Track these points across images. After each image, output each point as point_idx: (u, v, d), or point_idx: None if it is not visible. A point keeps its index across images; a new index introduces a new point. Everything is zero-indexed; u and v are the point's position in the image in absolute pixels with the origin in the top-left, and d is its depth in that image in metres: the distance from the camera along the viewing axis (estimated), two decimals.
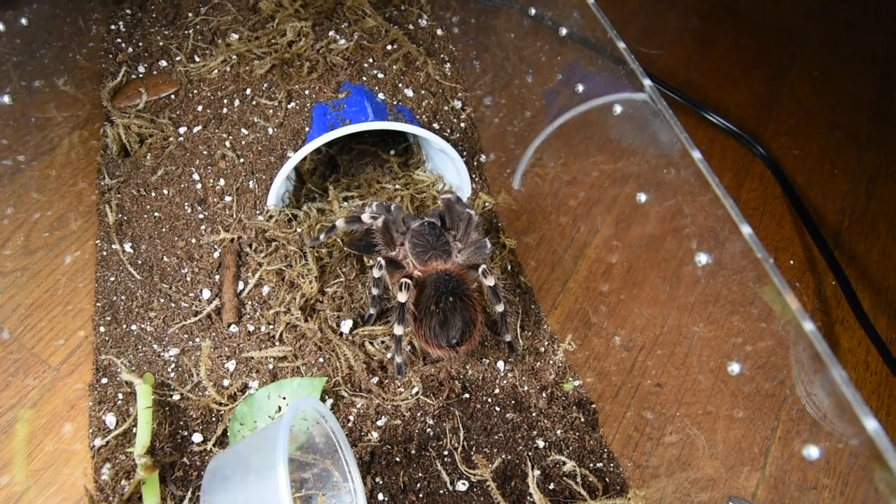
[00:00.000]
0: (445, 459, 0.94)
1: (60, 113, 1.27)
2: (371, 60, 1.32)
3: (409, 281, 0.98)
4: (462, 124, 1.28)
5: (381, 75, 1.29)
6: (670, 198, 1.27)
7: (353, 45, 1.32)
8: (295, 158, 1.12)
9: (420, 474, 0.93)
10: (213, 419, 0.97)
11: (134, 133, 1.22)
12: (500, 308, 1.03)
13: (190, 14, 1.41)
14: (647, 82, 0.86)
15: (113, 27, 1.42)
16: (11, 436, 1.00)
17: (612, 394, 1.09)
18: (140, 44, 1.38)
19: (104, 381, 0.98)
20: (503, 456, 0.95)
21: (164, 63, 1.34)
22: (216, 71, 1.31)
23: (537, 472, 0.93)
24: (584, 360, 1.10)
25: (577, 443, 0.97)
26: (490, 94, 1.32)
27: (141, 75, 1.33)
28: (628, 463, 1.00)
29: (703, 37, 1.81)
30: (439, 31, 1.41)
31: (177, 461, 0.91)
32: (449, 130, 1.26)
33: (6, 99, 1.19)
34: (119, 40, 1.39)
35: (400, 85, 1.29)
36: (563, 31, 1.10)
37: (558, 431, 0.98)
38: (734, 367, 1.14)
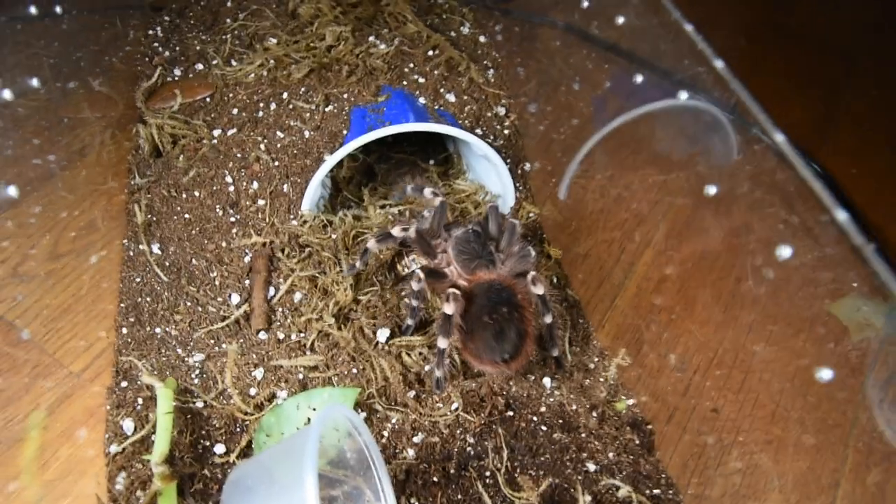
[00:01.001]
0: (487, 481, 0.86)
1: (93, 113, 1.24)
2: (412, 65, 1.27)
3: (457, 291, 0.92)
4: (506, 131, 1.23)
5: (421, 80, 1.25)
6: (732, 204, 1.20)
7: (393, 50, 1.28)
8: (332, 160, 1.07)
9: (459, 496, 0.85)
10: (238, 429, 0.90)
11: (167, 134, 1.19)
12: (548, 319, 0.96)
13: (228, 20, 1.38)
14: (718, 64, 0.80)
15: (151, 32, 1.40)
16: (28, 443, 0.95)
17: (666, 416, 1.01)
18: (177, 48, 1.36)
19: (124, 384, 0.92)
20: (550, 479, 0.86)
21: (200, 66, 1.31)
22: (253, 75, 1.27)
23: (588, 498, 0.84)
24: (637, 378, 1.02)
25: (630, 466, 0.89)
26: (535, 101, 1.27)
27: (177, 78, 1.30)
28: (689, 491, 0.91)
29: (751, 55, 1.74)
30: (482, 39, 1.37)
31: (197, 473, 0.84)
32: (492, 137, 1.21)
33: (36, 84, 1.16)
34: (156, 44, 1.37)
35: (441, 90, 1.24)
36: (620, 20, 1.04)
37: (610, 454, 0.90)
38: (799, 392, 1.05)
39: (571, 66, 1.26)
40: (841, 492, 1.00)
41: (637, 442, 0.91)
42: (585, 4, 1.33)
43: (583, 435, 0.92)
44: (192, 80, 1.28)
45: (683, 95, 1.11)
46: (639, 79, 1.24)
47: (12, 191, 0.99)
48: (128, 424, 0.87)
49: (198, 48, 1.34)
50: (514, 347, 0.92)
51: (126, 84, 1.28)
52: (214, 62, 1.30)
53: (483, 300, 0.93)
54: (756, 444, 1.02)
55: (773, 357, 1.10)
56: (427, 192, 1.05)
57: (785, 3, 1.96)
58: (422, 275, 0.94)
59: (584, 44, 1.36)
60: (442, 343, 0.91)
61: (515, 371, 0.96)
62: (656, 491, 0.87)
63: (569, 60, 1.27)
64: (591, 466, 0.88)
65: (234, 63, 1.31)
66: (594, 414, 0.94)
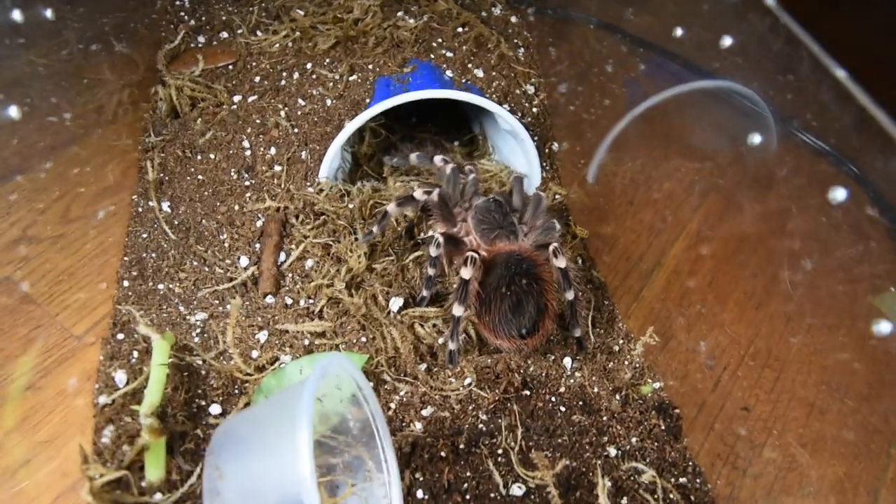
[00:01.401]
0: (499, 459, 0.80)
1: (114, 75, 1.22)
2: (440, 40, 1.23)
3: (475, 255, 0.86)
4: (534, 109, 1.18)
5: (449, 54, 1.20)
6: (770, 196, 1.14)
7: (422, 24, 1.24)
8: (352, 125, 1.03)
9: (468, 473, 0.79)
10: (236, 391, 0.85)
11: (186, 96, 1.16)
12: (570, 295, 0.90)
13: None
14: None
15: (178, 3, 1.38)
16: (13, 403, 0.90)
17: (694, 408, 0.94)
18: (203, 18, 1.33)
19: (120, 336, 0.88)
20: (567, 462, 0.80)
21: (225, 35, 1.28)
22: (278, 45, 1.24)
23: (608, 483, 0.77)
24: (665, 365, 0.95)
25: (655, 453, 0.82)
26: (566, 82, 1.22)
27: (200, 45, 1.27)
28: (718, 482, 0.84)
29: None
30: (514, 19, 1.33)
31: (189, 432, 0.79)
32: (520, 114, 1.16)
33: (58, 45, 1.14)
34: (182, 14, 1.35)
35: (469, 65, 1.20)
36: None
37: (633, 439, 0.83)
38: (837, 394, 0.98)
39: (605, 48, 1.22)
40: (881, 501, 0.92)
41: (663, 427, 0.84)
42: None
43: (604, 418, 0.85)
44: (215, 48, 1.26)
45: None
46: (674, 65, 1.19)
47: (15, 113, 0.95)
48: (120, 376, 0.82)
49: (223, 18, 1.32)
50: (533, 322, 0.86)
51: (149, 48, 1.26)
52: (239, 31, 1.28)
53: (501, 271, 0.88)
54: (789, 446, 0.95)
55: (809, 354, 1.02)
56: (437, 159, 1.00)
57: None
58: (441, 239, 0.89)
59: (618, 35, 1.32)
60: (457, 310, 0.85)
61: (533, 348, 0.90)
62: (682, 479, 0.80)
63: (603, 42, 1.23)
64: (613, 451, 0.82)
65: (259, 33, 1.28)
66: (617, 397, 0.87)
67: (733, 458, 0.92)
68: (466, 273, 0.85)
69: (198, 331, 0.90)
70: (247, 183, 1.08)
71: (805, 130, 1.27)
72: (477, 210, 0.96)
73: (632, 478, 0.79)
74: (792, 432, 0.96)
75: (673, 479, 0.80)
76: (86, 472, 0.72)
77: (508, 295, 0.86)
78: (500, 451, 0.80)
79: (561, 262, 0.88)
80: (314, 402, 0.76)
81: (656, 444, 0.83)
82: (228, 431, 0.67)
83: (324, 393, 0.74)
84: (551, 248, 0.89)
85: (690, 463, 0.82)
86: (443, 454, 0.80)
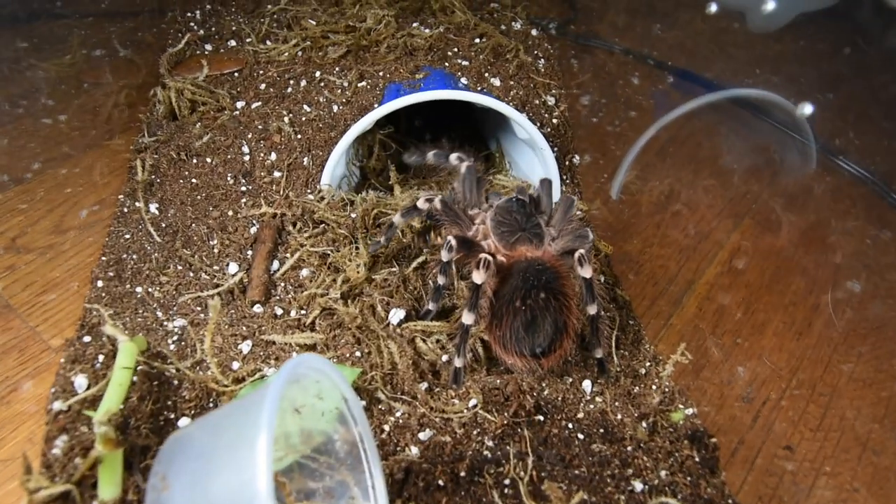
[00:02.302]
0: (506, 490, 0.69)
1: (114, 78, 1.17)
2: (456, 49, 1.17)
3: (490, 258, 0.77)
4: (554, 120, 1.10)
5: (465, 63, 1.14)
6: (810, 216, 1.04)
7: (437, 34, 1.18)
8: (357, 127, 0.97)
9: None
10: (210, 404, 0.75)
11: (186, 99, 1.10)
12: (592, 310, 0.80)
13: (269, 5, 1.32)
14: None
15: (189, 14, 1.34)
16: None
17: (735, 440, 0.83)
18: (213, 28, 1.29)
19: (86, 339, 0.79)
20: (585, 496, 0.68)
21: (233, 43, 1.23)
22: (287, 53, 1.19)
23: None
24: (699, 388, 0.84)
25: (688, 488, 0.70)
26: (588, 93, 1.14)
27: (207, 52, 1.22)
28: None
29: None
30: (534, 32, 1.27)
31: (152, 447, 0.69)
32: (539, 125, 1.08)
33: (61, 50, 1.10)
34: (192, 24, 1.31)
35: (486, 73, 1.13)
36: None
37: (662, 472, 0.72)
38: (894, 430, 0.86)
39: (631, 61, 1.14)
40: None
41: (697, 459, 0.73)
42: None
43: (629, 448, 0.74)
44: (221, 55, 1.21)
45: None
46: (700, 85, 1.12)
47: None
48: (80, 381, 0.73)
49: (233, 28, 1.27)
50: (549, 341, 0.76)
51: (153, 54, 1.21)
52: (248, 40, 1.23)
53: (518, 282, 0.78)
54: (843, 488, 0.82)
55: (860, 387, 0.91)
56: (452, 157, 0.92)
57: None
58: (454, 242, 0.80)
59: (644, 50, 1.25)
60: (467, 318, 0.76)
61: (548, 369, 0.80)
62: None
63: (629, 55, 1.16)
64: (638, 485, 0.70)
65: (268, 42, 1.23)
66: (644, 424, 0.76)
67: (776, 501, 0.80)
68: (478, 277, 0.75)
69: (174, 338, 0.81)
70: (243, 188, 1.00)
71: (846, 150, 1.18)
72: (497, 211, 0.87)
73: None
74: (845, 474, 0.84)
75: None
76: (25, 484, 0.62)
77: (523, 310, 0.76)
78: (506, 482, 0.70)
79: (586, 272, 0.78)
80: (293, 415, 0.67)
81: (689, 478, 0.71)
82: (181, 437, 0.57)
83: (302, 403, 0.64)
84: (577, 254, 0.79)
85: (730, 501, 0.70)
86: (441, 483, 0.69)
